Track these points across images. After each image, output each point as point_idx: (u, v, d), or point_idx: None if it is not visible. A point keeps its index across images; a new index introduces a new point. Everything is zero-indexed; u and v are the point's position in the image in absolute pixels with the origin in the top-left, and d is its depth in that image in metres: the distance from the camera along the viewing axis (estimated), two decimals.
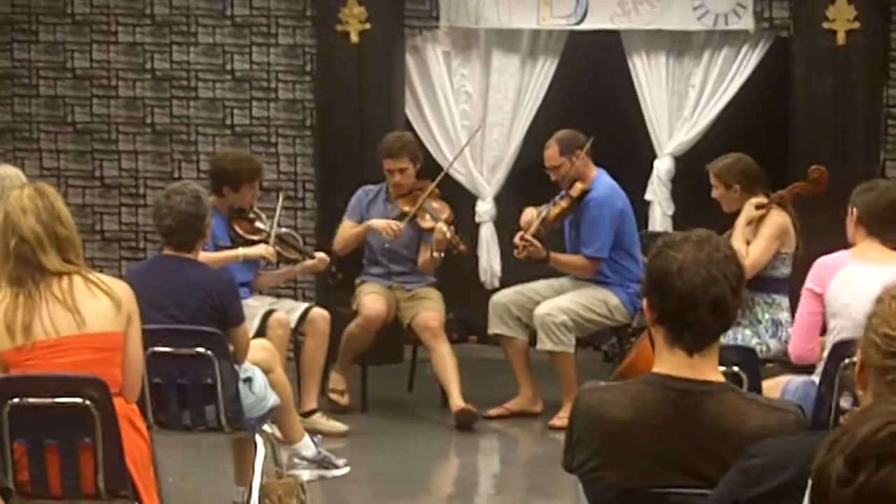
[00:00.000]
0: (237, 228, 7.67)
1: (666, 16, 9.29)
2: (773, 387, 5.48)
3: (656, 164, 9.43)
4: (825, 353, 5.36)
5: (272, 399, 5.90)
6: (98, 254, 9.85)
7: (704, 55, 9.38)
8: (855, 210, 5.58)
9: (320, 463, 6.64)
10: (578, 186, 8.05)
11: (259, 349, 6.15)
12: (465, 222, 8.92)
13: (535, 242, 8.00)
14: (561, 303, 8.02)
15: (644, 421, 3.14)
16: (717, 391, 3.16)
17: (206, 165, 9.04)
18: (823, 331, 5.51)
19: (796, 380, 5.58)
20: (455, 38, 9.57)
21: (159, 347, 5.59)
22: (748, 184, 7.16)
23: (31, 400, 4.56)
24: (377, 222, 8.18)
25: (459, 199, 9.20)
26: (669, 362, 3.17)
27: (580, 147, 8.05)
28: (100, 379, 4.52)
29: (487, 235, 9.48)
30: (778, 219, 7.07)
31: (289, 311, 7.67)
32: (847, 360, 5.05)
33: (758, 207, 7.06)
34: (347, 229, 8.32)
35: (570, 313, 7.96)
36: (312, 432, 6.86)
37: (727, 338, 6.02)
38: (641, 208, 9.35)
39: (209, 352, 5.60)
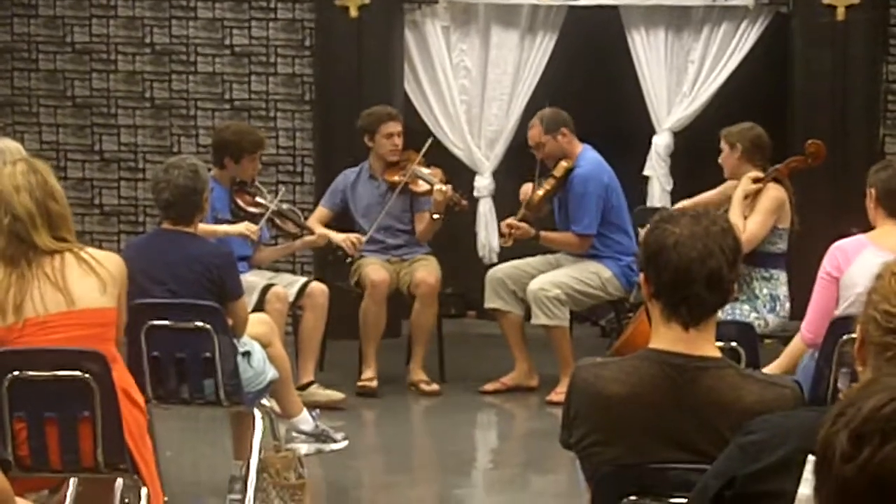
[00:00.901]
0: (238, 201, 7.66)
1: None
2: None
3: (655, 139, 9.41)
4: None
5: (271, 373, 5.90)
6: (97, 228, 9.84)
7: (704, 30, 9.36)
8: (873, 191, 5.51)
9: (318, 437, 6.64)
10: (562, 165, 8.06)
11: (258, 323, 6.14)
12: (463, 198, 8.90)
13: (521, 225, 8.05)
14: (554, 277, 8.02)
15: (640, 396, 3.14)
16: (714, 366, 3.16)
17: (206, 140, 9.03)
18: None
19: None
20: (454, 13, 9.55)
21: (158, 321, 5.58)
22: (751, 150, 7.14)
23: (31, 373, 4.56)
24: (336, 236, 8.13)
25: (458, 173, 9.19)
26: (666, 337, 3.17)
27: (564, 125, 8.06)
28: (99, 352, 4.53)
29: (486, 210, 9.47)
30: (775, 193, 7.06)
31: (287, 285, 7.66)
32: (846, 336, 5.03)
33: (755, 181, 7.05)
34: (317, 219, 8.33)
35: (564, 287, 7.96)
36: (310, 406, 6.86)
37: (725, 313, 6.01)
38: (640, 184, 9.35)
39: (208, 326, 5.59)
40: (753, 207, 7.03)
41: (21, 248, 4.57)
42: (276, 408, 6.26)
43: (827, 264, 5.29)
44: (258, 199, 7.73)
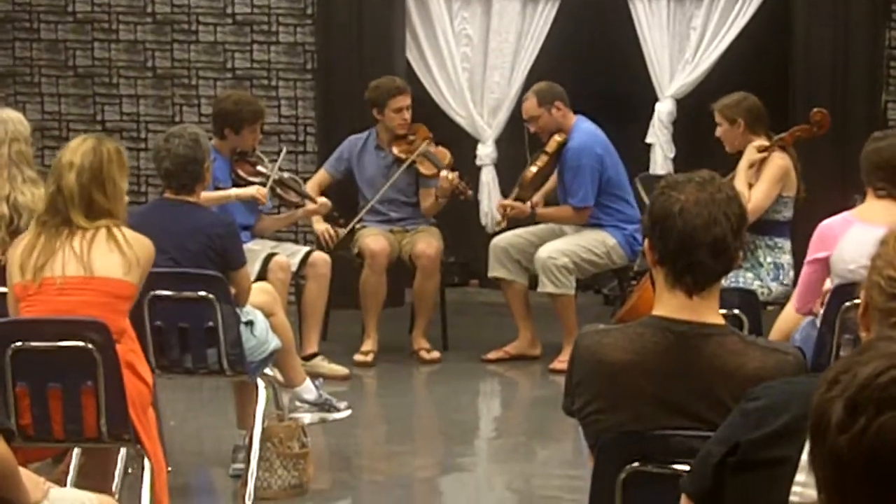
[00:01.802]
0: (239, 171, 7.64)
1: None
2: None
3: (657, 106, 9.38)
4: (826, 298, 5.31)
5: (273, 342, 5.89)
6: None
7: None
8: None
9: (322, 406, 6.63)
10: (555, 140, 8.06)
11: (260, 292, 6.13)
12: (465, 166, 8.89)
13: (516, 204, 8.09)
14: (562, 245, 8.01)
15: (643, 363, 3.14)
16: (717, 333, 3.15)
17: (207, 109, 8.99)
18: None
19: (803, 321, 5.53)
20: None
21: (161, 291, 5.56)
22: (752, 121, 7.11)
23: (34, 343, 4.56)
24: (316, 226, 8.11)
25: (460, 142, 9.16)
26: (669, 304, 3.16)
27: (558, 98, 8.03)
28: (101, 322, 4.52)
29: (488, 179, 9.44)
30: (780, 161, 7.03)
31: (290, 254, 7.65)
32: (848, 303, 5.01)
33: (759, 150, 7.02)
34: (317, 182, 8.31)
35: (572, 255, 7.95)
36: (314, 376, 6.85)
37: (728, 280, 6.00)
38: (642, 151, 9.32)
39: (211, 295, 5.58)
40: (758, 176, 7.00)
41: (56, 218, 4.69)
42: (280, 377, 6.25)
43: (813, 249, 5.22)
44: (259, 168, 7.72)
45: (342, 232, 8.12)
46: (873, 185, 5.33)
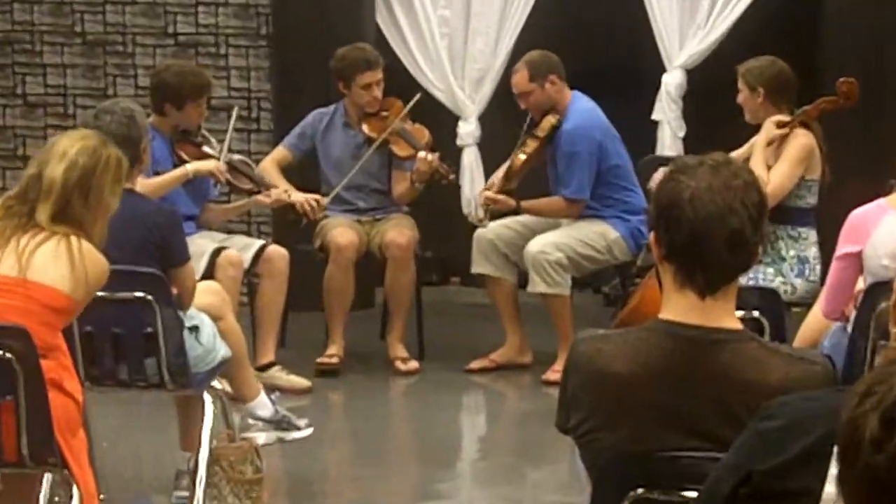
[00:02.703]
0: (181, 153, 7.63)
1: None
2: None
3: (665, 78, 9.40)
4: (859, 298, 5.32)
5: (222, 351, 5.89)
6: None
7: None
8: None
9: (278, 424, 6.62)
10: (548, 122, 8.06)
11: (207, 293, 6.12)
12: (445, 145, 8.89)
13: (499, 197, 8.11)
14: (555, 238, 8.01)
15: (648, 375, 3.14)
16: (733, 340, 3.15)
17: (145, 81, 8.98)
18: None
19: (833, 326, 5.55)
20: None
21: None
22: (775, 91, 7.14)
23: None
24: (295, 196, 8.09)
25: (438, 118, 9.17)
26: (678, 306, 3.16)
27: (553, 71, 8.03)
28: (23, 328, 4.51)
29: (471, 161, 9.45)
30: (803, 140, 7.06)
31: (242, 248, 7.65)
32: (884, 304, 5.02)
33: (780, 126, 7.04)
34: (275, 163, 8.28)
35: (567, 250, 7.96)
36: (269, 389, 6.85)
37: (746, 277, 6.01)
38: (648, 129, 9.34)
39: (149, 296, 5.58)
40: (778, 156, 7.03)
41: (21, 208, 4.72)
42: (230, 390, 6.25)
43: (844, 240, 5.22)
44: (205, 149, 7.71)
45: (325, 200, 8.11)
46: None
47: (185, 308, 5.81)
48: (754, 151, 6.99)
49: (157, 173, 7.30)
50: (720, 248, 3.11)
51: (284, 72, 9.49)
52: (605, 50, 9.54)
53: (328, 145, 8.33)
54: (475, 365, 8.24)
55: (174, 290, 5.73)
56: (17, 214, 4.71)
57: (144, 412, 7.14)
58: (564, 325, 7.98)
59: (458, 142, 9.48)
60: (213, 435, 5.77)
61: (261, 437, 6.38)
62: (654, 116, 9.43)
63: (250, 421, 6.48)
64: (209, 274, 7.20)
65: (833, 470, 2.22)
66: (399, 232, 8.16)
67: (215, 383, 5.93)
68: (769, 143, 7.03)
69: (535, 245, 7.97)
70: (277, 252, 7.78)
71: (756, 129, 7.12)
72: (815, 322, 5.43)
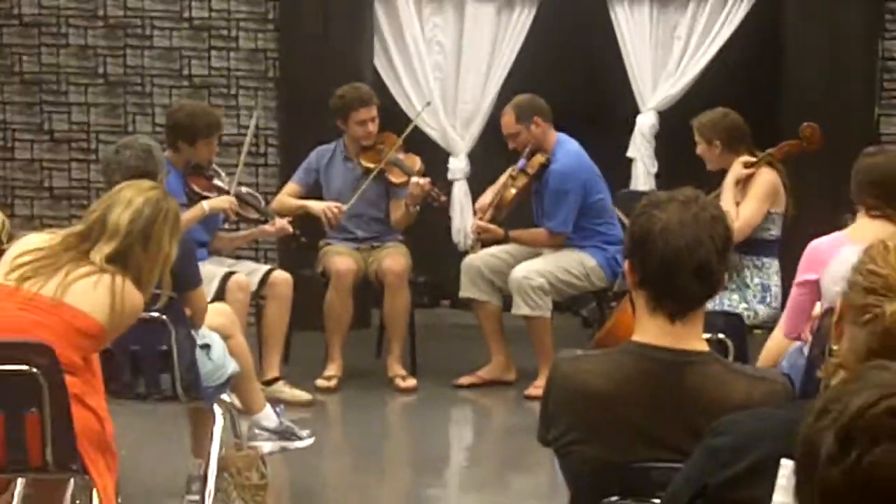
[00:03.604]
0: (194, 186, 7.62)
1: None
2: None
3: (639, 119, 9.41)
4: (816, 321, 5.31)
5: (231, 367, 5.88)
6: (47, 211, 9.80)
7: (690, 4, 9.36)
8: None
9: (282, 434, 6.61)
10: (537, 160, 8.06)
11: (217, 314, 6.11)
12: (436, 179, 8.87)
13: (490, 227, 8.11)
14: (538, 265, 8.02)
15: (623, 392, 3.14)
16: (700, 361, 3.15)
17: (162, 119, 8.97)
18: None
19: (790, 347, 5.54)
20: None
21: None
22: (731, 141, 7.15)
23: None
24: (315, 205, 8.14)
25: (431, 154, 9.17)
26: (650, 330, 3.16)
27: (538, 113, 8.02)
28: (47, 345, 4.49)
29: (461, 194, 9.45)
30: (768, 177, 7.07)
31: (249, 273, 7.64)
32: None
33: (746, 166, 7.06)
34: (288, 195, 8.31)
35: (548, 276, 7.96)
36: (274, 402, 6.83)
37: (713, 302, 5.99)
38: (623, 166, 9.35)
39: (164, 317, 5.56)
40: (745, 193, 7.03)
41: (81, 245, 4.67)
42: (238, 403, 6.23)
43: (803, 269, 5.21)
44: (216, 183, 7.70)
45: (344, 207, 8.11)
46: (865, 202, 5.34)
47: (198, 328, 5.80)
48: (724, 189, 7.00)
49: None
50: (688, 277, 3.11)
51: (290, 112, 9.49)
52: (585, 93, 9.55)
53: (330, 178, 8.34)
54: (463, 381, 8.22)
55: (188, 312, 5.72)
56: (75, 249, 4.67)
57: (159, 423, 7.11)
58: (545, 345, 7.98)
59: (449, 176, 9.48)
60: (222, 444, 5.75)
61: (266, 447, 6.37)
62: (629, 154, 9.44)
63: (256, 431, 6.47)
64: (219, 296, 7.18)
65: (781, 481, 2.24)
66: (395, 260, 8.16)
67: (224, 396, 5.91)
68: (737, 182, 7.04)
69: (519, 271, 7.98)
70: (282, 276, 7.77)
71: (724, 173, 7.12)
72: (775, 345, 5.42)
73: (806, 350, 5.19)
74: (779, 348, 5.39)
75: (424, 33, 9.55)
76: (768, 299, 7.05)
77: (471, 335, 8.65)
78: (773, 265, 7.11)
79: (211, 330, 5.90)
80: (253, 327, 7.77)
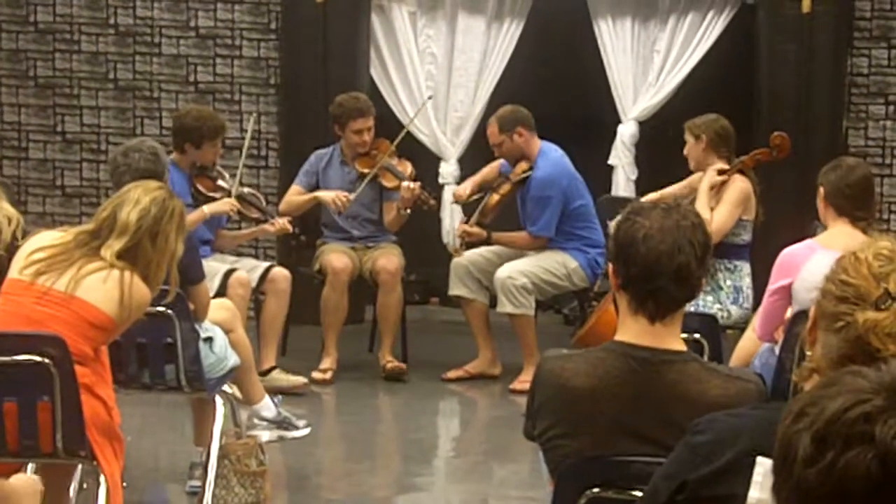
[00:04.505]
0: (199, 186, 7.61)
1: None
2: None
3: (620, 128, 9.41)
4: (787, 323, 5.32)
5: (232, 359, 5.86)
6: (58, 209, 9.78)
7: (670, 20, 9.36)
8: (821, 190, 5.48)
9: (280, 424, 6.61)
10: (520, 168, 8.05)
11: (220, 309, 6.10)
12: (428, 184, 8.86)
13: (474, 230, 8.09)
14: (521, 266, 8.01)
15: (605, 389, 3.13)
16: (678, 360, 3.15)
17: (169, 122, 8.96)
18: None
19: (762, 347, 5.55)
20: None
21: None
22: (717, 140, 7.15)
23: None
24: (325, 195, 8.14)
25: (423, 160, 9.17)
26: (632, 330, 3.16)
27: (520, 123, 8.01)
28: (59, 337, 4.48)
29: (451, 197, 9.44)
30: (741, 185, 7.07)
31: (250, 270, 7.63)
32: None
33: (720, 173, 7.06)
34: (294, 195, 8.29)
35: (531, 276, 7.96)
36: (273, 392, 6.83)
37: (689, 304, 6.00)
38: (605, 173, 9.35)
39: (169, 311, 5.55)
40: (719, 199, 7.04)
41: (92, 242, 4.66)
42: (238, 394, 6.22)
43: (776, 276, 5.22)
44: (220, 184, 7.69)
45: (351, 196, 8.09)
46: (837, 208, 5.35)
47: (201, 321, 5.79)
48: (698, 195, 7.00)
49: None
50: (669, 280, 3.12)
51: (290, 117, 9.48)
52: (569, 103, 9.55)
53: (328, 180, 8.32)
54: (451, 375, 8.21)
55: (191, 306, 5.71)
56: (86, 245, 4.66)
57: (163, 412, 7.11)
58: (529, 341, 7.98)
59: (440, 180, 9.47)
60: (223, 432, 5.73)
61: (264, 435, 6.37)
62: (610, 161, 9.45)
63: (255, 421, 6.47)
64: (221, 292, 7.17)
65: (756, 477, 2.23)
66: (388, 259, 8.15)
67: (226, 387, 5.90)
68: (711, 188, 7.04)
69: (504, 271, 7.97)
70: (281, 273, 7.76)
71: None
72: (747, 345, 5.43)
73: (777, 350, 5.20)
74: (751, 349, 5.40)
75: (418, 44, 9.55)
76: (740, 300, 7.05)
77: (459, 331, 8.65)
78: (744, 268, 7.11)
79: (213, 324, 5.89)
80: (253, 321, 7.76)
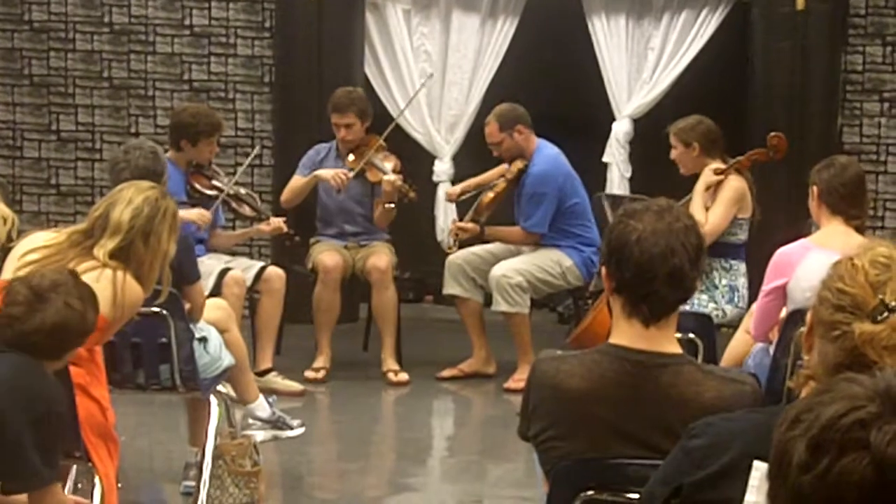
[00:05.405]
0: (195, 184, 7.60)
1: None
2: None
3: (615, 126, 9.41)
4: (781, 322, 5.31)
5: (227, 359, 5.85)
6: (53, 208, 9.77)
7: (664, 18, 9.36)
8: (815, 189, 5.48)
9: (275, 423, 6.60)
10: (516, 166, 8.06)
11: (214, 308, 6.09)
12: (422, 182, 8.89)
13: (468, 226, 8.11)
14: (516, 264, 8.01)
15: (600, 392, 3.13)
16: (673, 363, 3.15)
17: (164, 121, 8.97)
18: None
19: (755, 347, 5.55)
20: None
21: None
22: (707, 145, 7.14)
23: None
24: (325, 172, 8.14)
25: (417, 158, 9.17)
26: (626, 333, 3.16)
27: (519, 121, 8.01)
28: None
29: (445, 195, 9.43)
30: (736, 184, 7.06)
31: (244, 269, 7.62)
32: (804, 328, 5.00)
33: (716, 173, 7.06)
34: (294, 181, 8.29)
35: (526, 275, 7.95)
36: (267, 392, 6.82)
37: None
38: (599, 170, 9.35)
39: (164, 311, 5.54)
40: (715, 199, 7.03)
41: (85, 242, 4.68)
42: (233, 394, 6.21)
43: (770, 275, 5.21)
44: (215, 182, 7.68)
45: (350, 174, 8.08)
46: (831, 207, 5.35)
47: (197, 321, 5.78)
48: (694, 194, 6.99)
49: None
50: (662, 283, 3.11)
51: (284, 115, 9.47)
52: (563, 101, 9.55)
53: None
54: (446, 373, 8.21)
55: (186, 306, 5.70)
56: (79, 245, 4.68)
57: (158, 412, 7.11)
58: (523, 339, 7.98)
59: (435, 178, 9.47)
60: (218, 432, 5.72)
61: (259, 435, 6.36)
62: (605, 159, 9.45)
63: (250, 420, 6.45)
64: (216, 291, 7.16)
65: (753, 482, 2.23)
66: (379, 257, 8.14)
67: (220, 387, 5.90)
68: (707, 188, 7.03)
69: (499, 270, 7.97)
70: (275, 272, 7.75)
71: (695, 178, 7.12)
72: (740, 343, 5.43)
73: (772, 350, 5.20)
74: (744, 348, 5.40)
75: (412, 42, 9.54)
76: (736, 299, 7.05)
77: (453, 329, 8.64)
78: (740, 267, 7.11)
79: (208, 323, 5.88)
80: (247, 321, 7.75)
